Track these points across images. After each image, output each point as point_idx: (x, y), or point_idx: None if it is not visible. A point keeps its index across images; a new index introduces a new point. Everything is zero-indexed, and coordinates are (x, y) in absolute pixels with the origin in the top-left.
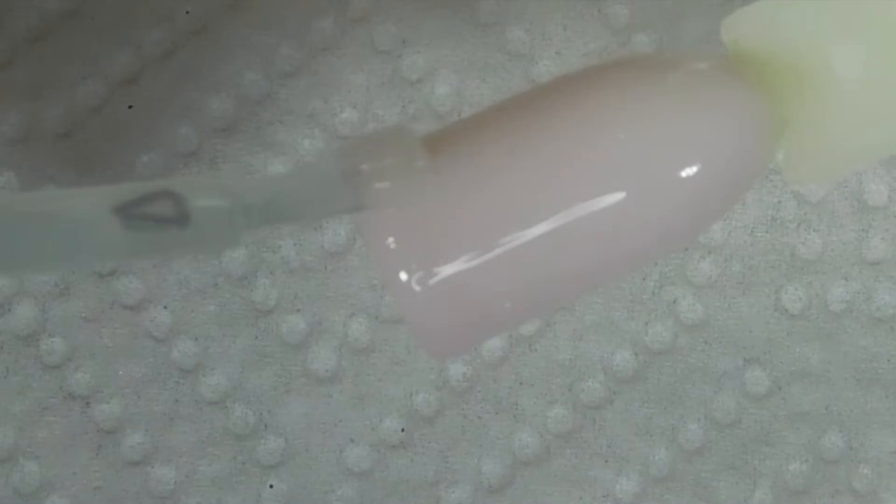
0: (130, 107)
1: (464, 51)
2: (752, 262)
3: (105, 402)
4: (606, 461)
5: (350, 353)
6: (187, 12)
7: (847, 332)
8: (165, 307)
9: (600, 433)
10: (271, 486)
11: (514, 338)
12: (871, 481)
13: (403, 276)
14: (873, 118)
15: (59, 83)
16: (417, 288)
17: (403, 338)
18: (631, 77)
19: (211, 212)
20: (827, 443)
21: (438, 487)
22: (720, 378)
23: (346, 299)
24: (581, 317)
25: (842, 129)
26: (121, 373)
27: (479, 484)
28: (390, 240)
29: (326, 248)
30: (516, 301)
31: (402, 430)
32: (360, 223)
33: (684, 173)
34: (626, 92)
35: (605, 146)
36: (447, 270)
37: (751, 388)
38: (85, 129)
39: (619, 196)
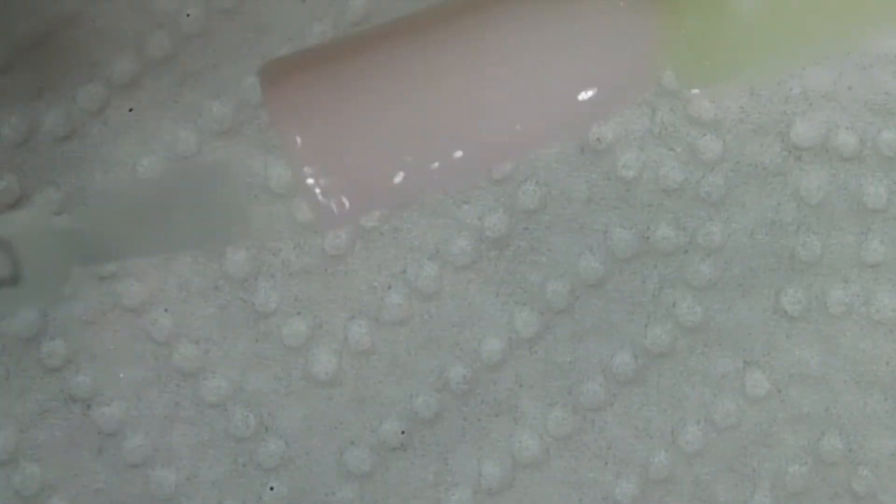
0: (131, 110)
1: None
2: (751, 265)
3: (106, 405)
4: (606, 463)
5: (350, 355)
6: (188, 16)
7: (846, 334)
8: (166, 310)
9: (600, 435)
10: (272, 489)
11: (513, 340)
12: (871, 483)
13: (307, 170)
14: (766, 33)
15: (60, 86)
16: (319, 185)
17: (404, 340)
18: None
19: (42, 263)
20: (826, 445)
21: (438, 490)
22: (720, 380)
23: (347, 302)
24: (580, 319)
25: (731, 45)
26: (121, 375)
27: (478, 486)
28: (296, 133)
29: (327, 250)
30: (405, 194)
31: (402, 432)
32: (271, 116)
33: (585, 85)
34: (531, 14)
35: (512, 67)
36: (344, 167)
37: (750, 391)
38: (86, 132)
39: (508, 102)
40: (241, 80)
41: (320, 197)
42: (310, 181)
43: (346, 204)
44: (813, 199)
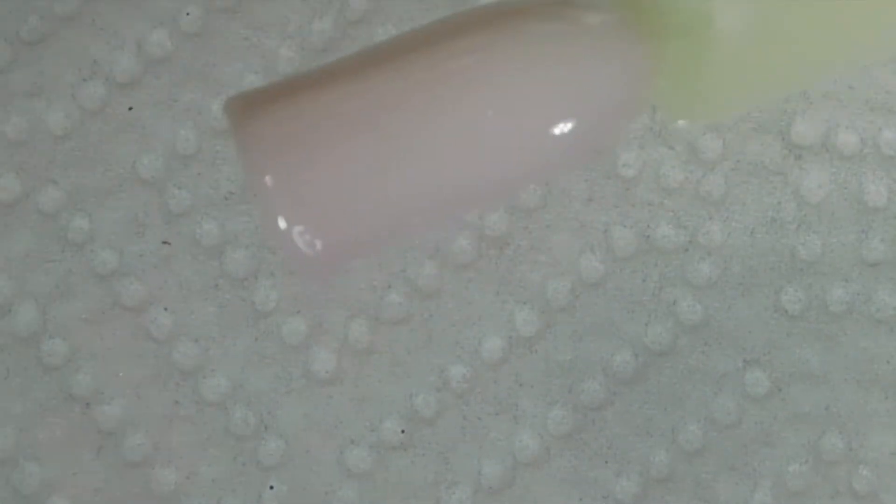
0: (131, 108)
1: None
2: (751, 264)
3: (105, 404)
4: (606, 462)
5: (350, 354)
6: (188, 14)
7: (847, 333)
8: (166, 308)
9: (600, 434)
10: (272, 488)
11: (513, 339)
12: (871, 482)
13: (282, 223)
14: (752, 64)
15: (59, 85)
16: (294, 231)
17: (404, 339)
18: (506, 21)
19: None
20: (827, 444)
21: (438, 489)
22: (720, 379)
23: (347, 301)
24: (581, 318)
25: (717, 79)
26: (121, 374)
27: (479, 485)
28: (268, 179)
29: None
30: (381, 239)
31: (403, 431)
32: (240, 156)
33: (560, 116)
34: (512, 40)
35: (489, 96)
36: (320, 210)
37: (751, 390)
38: (85, 130)
39: (489, 137)
40: (241, 78)
41: (294, 242)
42: (282, 225)
43: (320, 247)
44: (813, 198)
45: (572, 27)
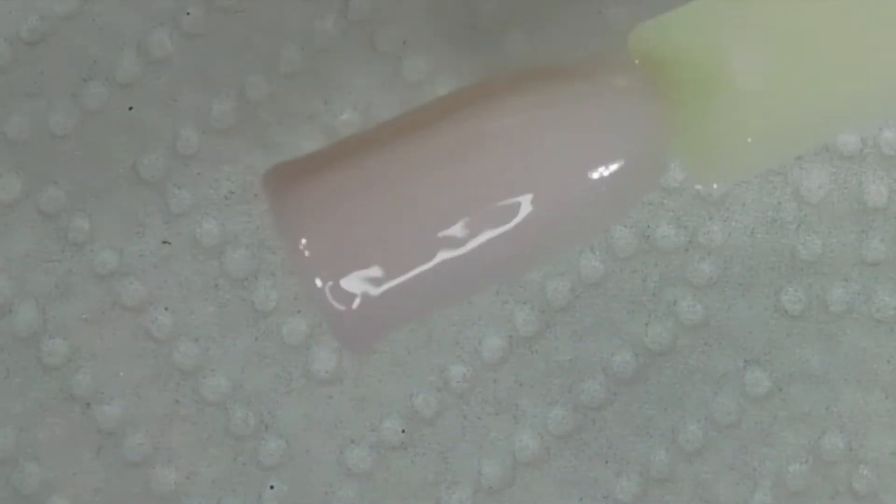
0: (131, 108)
1: (464, 52)
2: (751, 263)
3: (106, 404)
4: (606, 462)
5: (350, 354)
6: (188, 14)
7: (847, 333)
8: (166, 308)
9: (600, 434)
10: (272, 488)
11: (513, 339)
12: (872, 482)
13: (318, 282)
14: (771, 125)
15: (59, 84)
16: (332, 300)
17: (404, 339)
18: (539, 89)
19: None
20: (827, 444)
21: (438, 488)
22: (720, 379)
23: None
24: (581, 318)
25: (737, 137)
26: (121, 374)
27: (479, 485)
28: (303, 244)
29: None
30: (425, 303)
31: (403, 431)
32: (277, 225)
33: (590, 181)
34: (537, 102)
35: (515, 157)
36: (360, 283)
37: (751, 389)
38: (86, 130)
39: (527, 201)
40: (242, 78)
41: (336, 312)
42: (323, 295)
43: (361, 308)
44: (813, 198)
45: (597, 88)
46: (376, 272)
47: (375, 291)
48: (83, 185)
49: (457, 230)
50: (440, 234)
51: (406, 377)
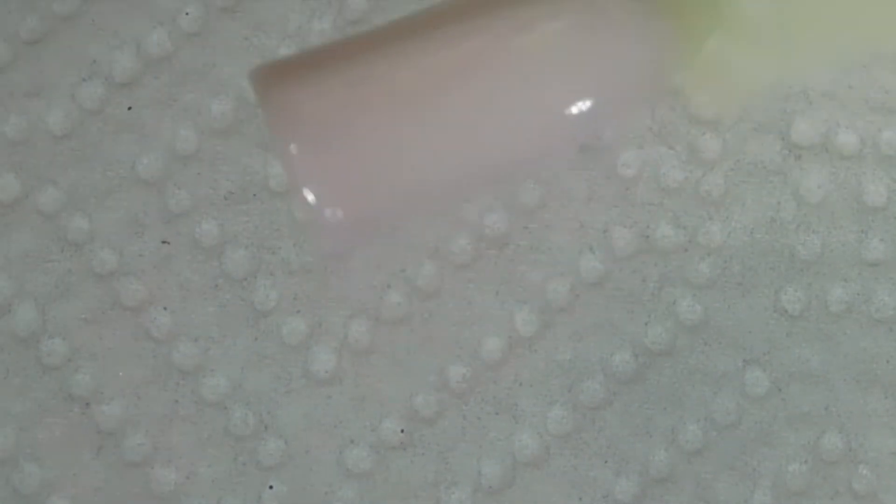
0: (130, 108)
1: None
2: (751, 264)
3: (105, 404)
4: (606, 462)
5: (350, 354)
6: (187, 14)
7: (846, 333)
8: (165, 308)
9: (600, 434)
10: (271, 488)
11: (513, 339)
12: (871, 482)
13: (309, 196)
14: (776, 51)
15: (59, 85)
16: (319, 207)
17: (403, 339)
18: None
19: None
20: (826, 444)
21: (438, 488)
22: (720, 379)
23: (346, 300)
24: (581, 318)
25: (742, 62)
26: (121, 374)
27: (478, 485)
28: (297, 156)
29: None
30: (404, 211)
31: (402, 431)
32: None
33: (584, 82)
34: (546, 24)
35: (516, 74)
36: (346, 192)
37: (750, 389)
38: (85, 130)
39: (517, 107)
40: (241, 78)
41: (316, 207)
42: (305, 191)
43: (341, 215)
44: (813, 198)
45: (593, 4)
46: (360, 173)
47: (359, 193)
48: (83, 185)
49: (442, 138)
50: (426, 142)
51: (406, 377)
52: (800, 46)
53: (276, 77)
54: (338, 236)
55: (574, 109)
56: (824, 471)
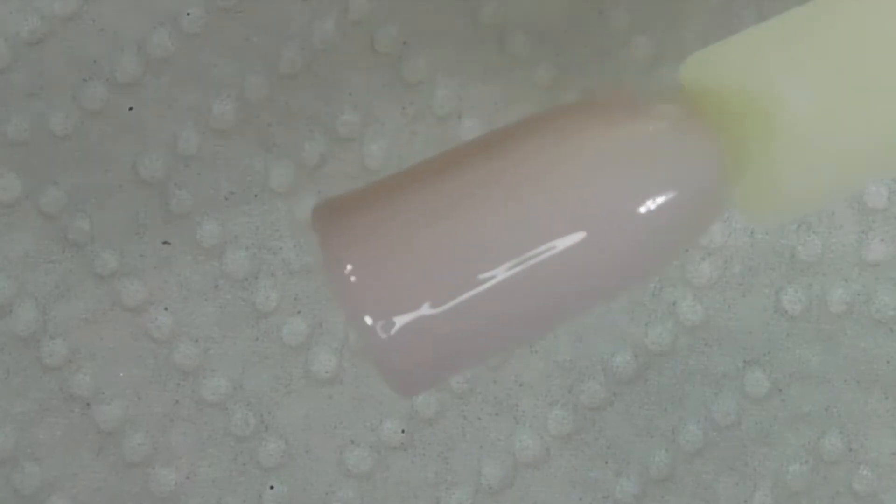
0: (131, 109)
1: (464, 53)
2: (751, 264)
3: (105, 404)
4: (606, 462)
5: (350, 354)
6: (188, 14)
7: (847, 333)
8: (166, 309)
9: (600, 434)
10: (272, 488)
11: None
12: (872, 483)
13: (368, 320)
14: (829, 157)
15: (60, 85)
16: (382, 334)
17: None
18: (588, 120)
19: None
20: (827, 444)
21: (439, 489)
22: (720, 379)
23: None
24: (581, 318)
25: (797, 169)
26: (121, 374)
27: (479, 485)
28: (353, 280)
29: None
30: (478, 343)
31: (403, 431)
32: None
33: (642, 216)
34: (584, 134)
35: (563, 189)
36: (410, 315)
37: (751, 390)
38: (86, 131)
39: (577, 238)
40: (242, 79)
41: (383, 347)
42: (367, 321)
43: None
44: None
45: (648, 123)
46: (425, 310)
47: (424, 330)
48: (83, 185)
49: (503, 272)
50: (486, 276)
51: None
52: (857, 149)
53: (334, 214)
54: (411, 370)
55: (625, 231)
56: (825, 471)
